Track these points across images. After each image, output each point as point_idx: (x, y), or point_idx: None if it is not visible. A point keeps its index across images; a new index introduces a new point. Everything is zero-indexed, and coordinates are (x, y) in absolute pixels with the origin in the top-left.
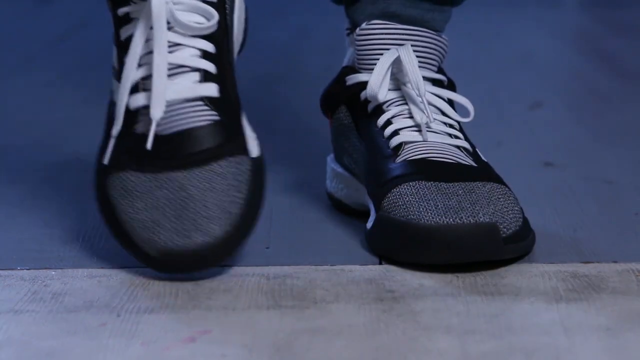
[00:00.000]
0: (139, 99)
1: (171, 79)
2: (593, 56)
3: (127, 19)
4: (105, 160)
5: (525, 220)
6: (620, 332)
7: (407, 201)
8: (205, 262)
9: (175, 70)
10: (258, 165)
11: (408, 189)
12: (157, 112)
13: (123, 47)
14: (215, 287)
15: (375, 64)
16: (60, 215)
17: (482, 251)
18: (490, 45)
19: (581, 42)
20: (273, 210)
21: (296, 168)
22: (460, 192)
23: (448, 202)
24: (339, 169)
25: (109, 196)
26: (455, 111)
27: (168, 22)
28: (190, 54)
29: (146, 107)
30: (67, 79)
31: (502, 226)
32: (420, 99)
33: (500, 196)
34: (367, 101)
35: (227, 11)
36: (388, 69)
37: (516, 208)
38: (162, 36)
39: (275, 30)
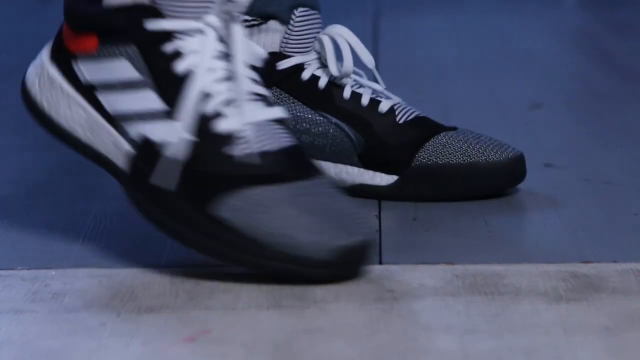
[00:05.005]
0: (226, 124)
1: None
2: (593, 56)
3: (177, 54)
4: (175, 187)
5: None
6: (620, 332)
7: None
8: (368, 258)
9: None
10: None
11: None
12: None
13: (175, 81)
14: (215, 287)
15: (309, 47)
16: (60, 215)
17: None
18: (490, 45)
19: (581, 42)
20: None
21: None
22: None
23: None
24: None
25: (227, 219)
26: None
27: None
28: (249, 81)
29: (229, 131)
30: None
31: None
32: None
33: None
34: (313, 79)
35: None
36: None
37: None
38: (241, 67)
39: None
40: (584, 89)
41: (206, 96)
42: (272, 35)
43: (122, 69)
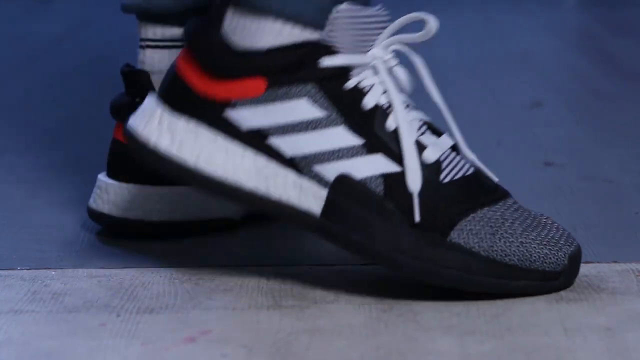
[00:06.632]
0: (432, 153)
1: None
2: (593, 56)
3: (359, 89)
4: (418, 218)
5: None
6: (620, 332)
7: None
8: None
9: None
10: None
11: None
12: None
13: (366, 115)
14: (215, 287)
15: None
16: (60, 215)
17: None
18: (490, 45)
19: (581, 42)
20: None
21: None
22: None
23: None
24: None
25: (464, 244)
26: None
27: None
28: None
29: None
30: (67, 79)
31: None
32: None
33: None
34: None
35: None
36: None
37: None
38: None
39: None
40: (584, 89)
41: (410, 128)
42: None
43: (302, 109)
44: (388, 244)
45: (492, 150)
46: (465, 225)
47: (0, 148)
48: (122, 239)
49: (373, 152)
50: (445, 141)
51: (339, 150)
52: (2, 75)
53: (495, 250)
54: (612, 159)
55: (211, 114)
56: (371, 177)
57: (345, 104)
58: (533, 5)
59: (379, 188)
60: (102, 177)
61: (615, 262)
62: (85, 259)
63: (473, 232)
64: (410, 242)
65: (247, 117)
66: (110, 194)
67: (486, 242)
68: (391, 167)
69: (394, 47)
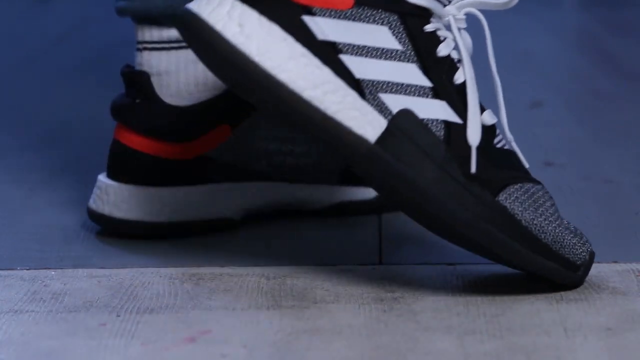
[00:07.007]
0: (489, 117)
1: None
2: (593, 56)
3: (437, 37)
4: (474, 169)
5: None
6: (620, 332)
7: None
8: None
9: None
10: None
11: None
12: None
13: (440, 64)
14: (215, 287)
15: None
16: (60, 215)
17: None
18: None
19: (581, 42)
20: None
21: None
22: None
23: None
24: None
25: (510, 209)
26: None
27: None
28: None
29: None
30: (67, 79)
31: None
32: None
33: None
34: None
35: None
36: None
37: None
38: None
39: None
40: (584, 89)
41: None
42: None
43: (382, 36)
44: (436, 184)
45: None
46: (513, 192)
47: (0, 148)
48: (122, 239)
49: (439, 97)
50: (492, 115)
51: (408, 86)
52: (2, 75)
53: (535, 224)
54: (612, 159)
55: (288, 14)
56: (433, 120)
57: (422, 45)
58: (533, 5)
59: (440, 133)
60: (102, 177)
61: (615, 262)
62: (85, 259)
63: (519, 200)
64: (457, 189)
65: (325, 28)
66: (110, 194)
67: (528, 213)
68: (453, 116)
69: (467, 9)
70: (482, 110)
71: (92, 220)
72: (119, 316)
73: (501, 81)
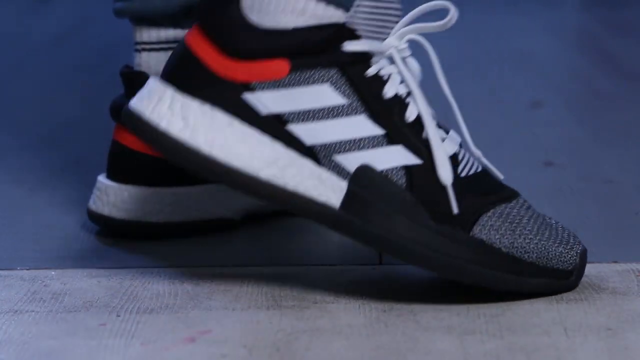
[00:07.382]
0: (450, 146)
1: None
2: (593, 56)
3: (379, 77)
4: (456, 210)
5: None
6: (620, 332)
7: None
8: None
9: None
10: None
11: None
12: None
13: (387, 105)
14: (215, 287)
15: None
16: (60, 215)
17: None
18: (490, 45)
19: (581, 42)
20: (273, 211)
21: None
22: None
23: None
24: None
25: (486, 240)
26: None
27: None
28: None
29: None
30: (67, 79)
31: None
32: None
33: None
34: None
35: None
36: None
37: None
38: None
39: None
40: (584, 89)
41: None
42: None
43: (324, 94)
44: (409, 237)
45: (492, 150)
46: (487, 220)
47: (0, 148)
48: (122, 239)
49: (394, 143)
50: (455, 136)
51: (360, 140)
52: (2, 75)
53: (516, 247)
54: (612, 159)
55: (228, 97)
56: (393, 169)
57: (367, 91)
58: (533, 5)
59: (401, 180)
60: (102, 178)
61: (615, 262)
62: (85, 259)
63: (494, 228)
64: (432, 236)
65: (267, 101)
66: (110, 195)
67: (507, 238)
68: (412, 159)
69: (409, 36)
70: (442, 141)
71: (92, 221)
72: (119, 316)
73: (501, 81)
